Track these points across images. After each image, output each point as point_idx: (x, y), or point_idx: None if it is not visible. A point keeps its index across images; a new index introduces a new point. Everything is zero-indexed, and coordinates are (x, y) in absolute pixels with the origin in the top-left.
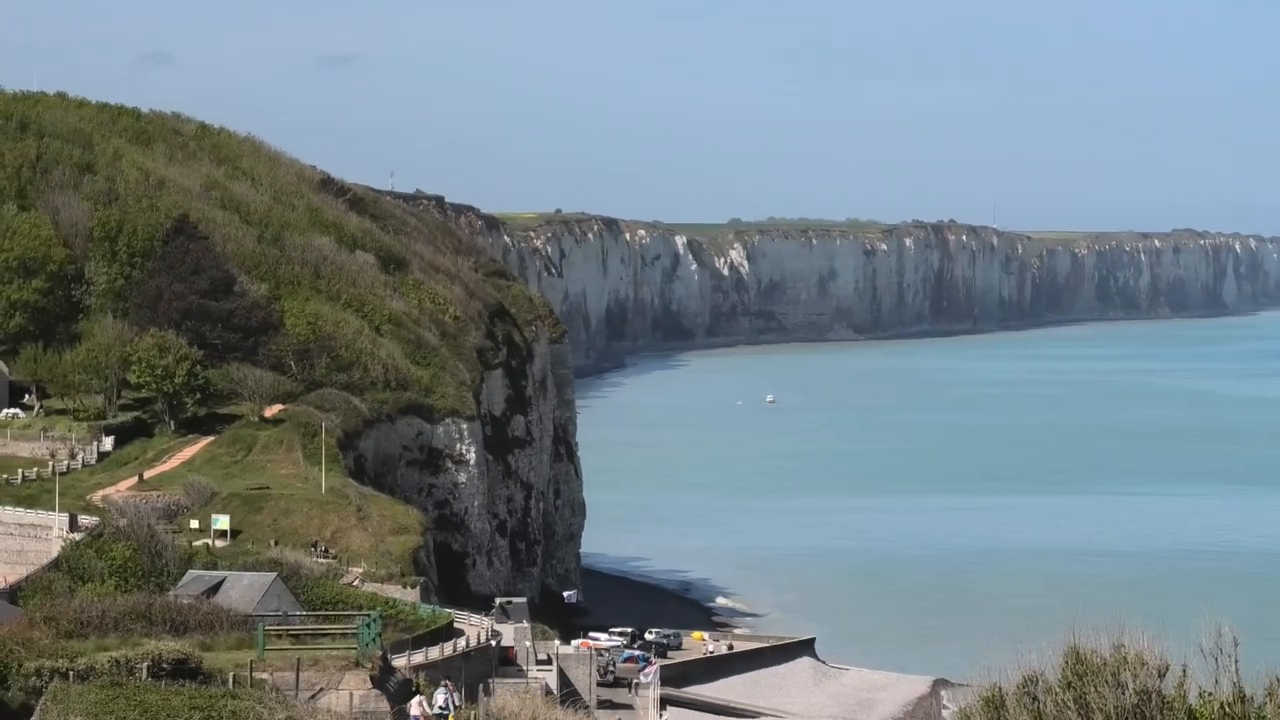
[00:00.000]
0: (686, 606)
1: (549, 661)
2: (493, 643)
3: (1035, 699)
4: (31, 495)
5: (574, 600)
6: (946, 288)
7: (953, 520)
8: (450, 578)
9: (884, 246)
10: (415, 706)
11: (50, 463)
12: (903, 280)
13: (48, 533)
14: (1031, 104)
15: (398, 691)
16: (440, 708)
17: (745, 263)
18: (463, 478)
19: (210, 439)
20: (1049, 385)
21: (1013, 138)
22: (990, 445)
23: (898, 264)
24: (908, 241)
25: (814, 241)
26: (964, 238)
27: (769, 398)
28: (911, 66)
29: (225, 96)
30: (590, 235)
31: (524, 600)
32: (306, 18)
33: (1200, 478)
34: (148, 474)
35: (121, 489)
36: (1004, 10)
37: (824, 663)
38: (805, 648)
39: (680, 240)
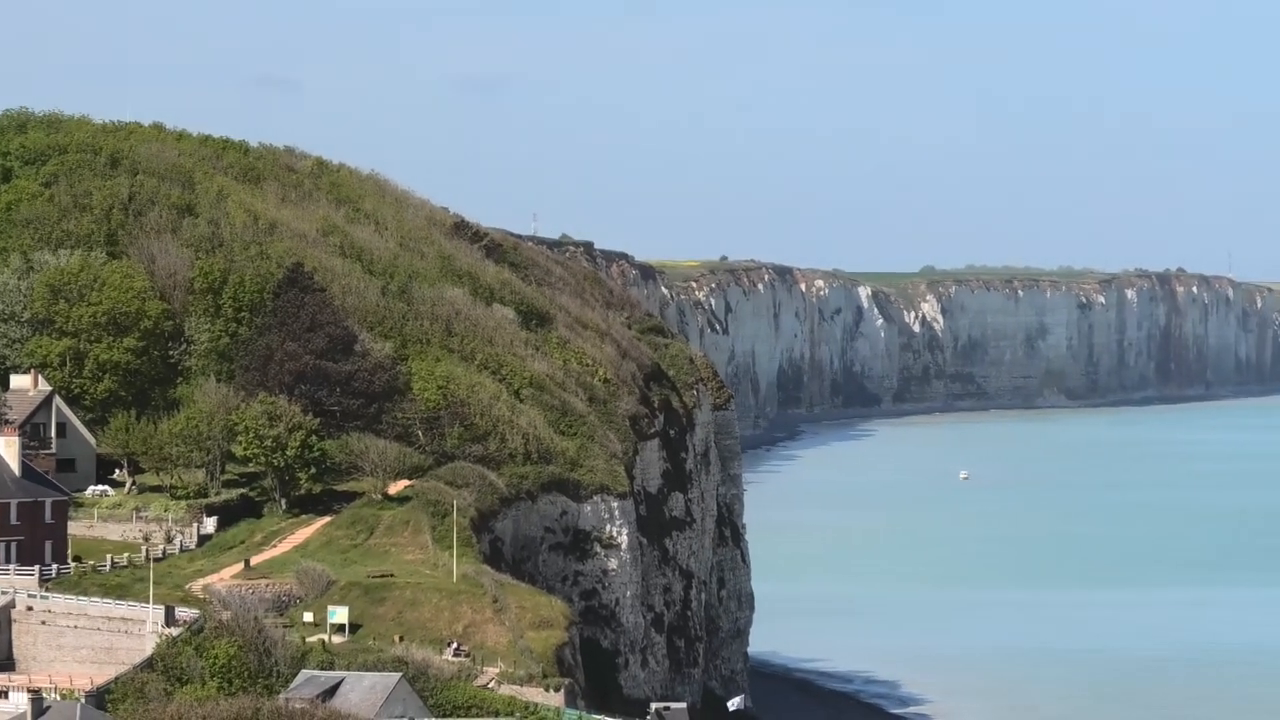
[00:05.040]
0: (873, 716)
1: None
2: None
3: None
4: (122, 585)
5: (741, 707)
6: (1175, 347)
7: (1190, 617)
8: (599, 679)
9: (1101, 299)
10: None
11: (144, 547)
12: (1124, 338)
13: (140, 628)
14: (1272, 133)
15: None
16: None
17: (940, 317)
18: (613, 564)
19: (327, 520)
20: None
21: (1251, 173)
22: (1229, 529)
23: (1118, 319)
24: (1129, 293)
25: (1020, 293)
26: (1195, 289)
27: (962, 474)
28: (1133, 91)
29: (350, 126)
30: (760, 286)
31: (684, 706)
32: (451, 33)
33: None
34: (255, 560)
35: (225, 577)
36: (1238, 27)
37: None
38: None
39: (864, 291)
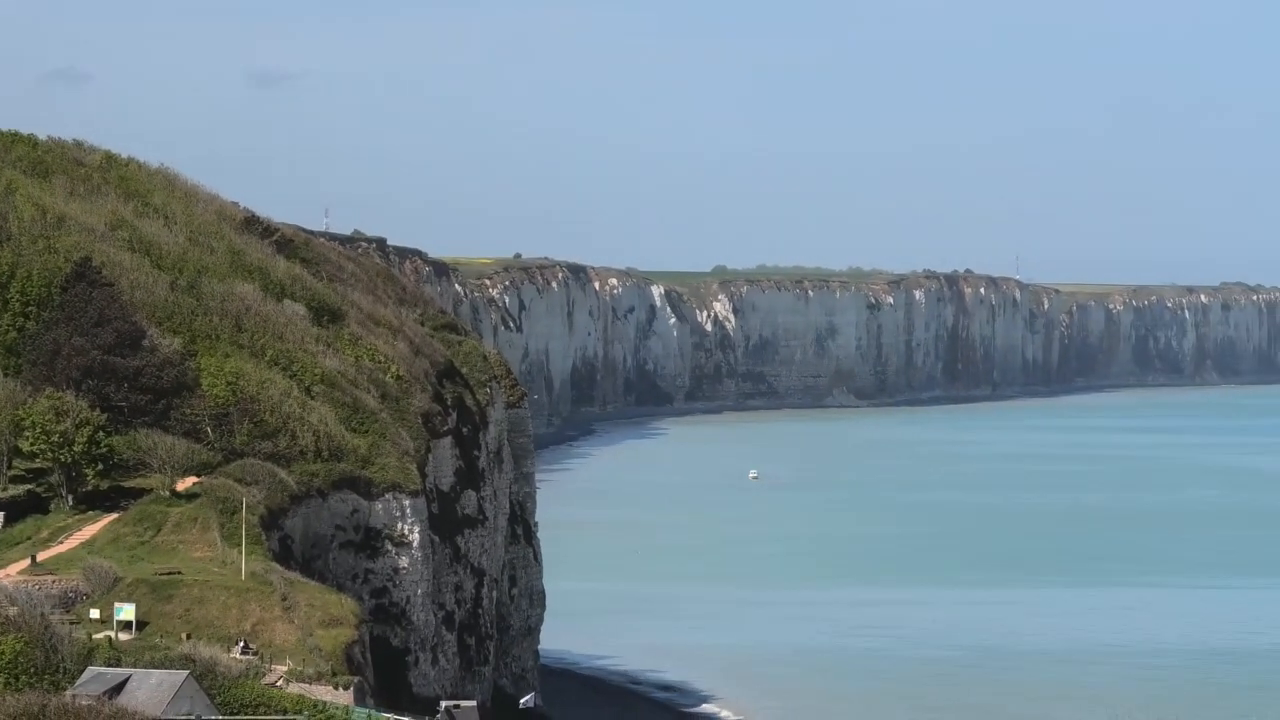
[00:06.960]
0: (664, 712)
1: None
2: None
3: None
4: None
5: (531, 704)
6: (962, 347)
7: (967, 616)
8: (389, 677)
9: (890, 300)
10: None
11: None
12: (911, 338)
13: None
14: (1059, 140)
15: None
16: None
17: (731, 317)
18: (404, 562)
19: (114, 516)
20: (1078, 460)
21: (1038, 177)
22: (1010, 529)
23: (906, 320)
24: (918, 294)
25: (810, 293)
26: (982, 290)
27: (752, 473)
28: (921, 99)
29: (140, 120)
30: (554, 284)
31: (474, 704)
32: (240, 28)
33: (1252, 568)
34: (41, 556)
35: (11, 573)
36: (1029, 38)
37: None
38: None
39: (657, 290)
